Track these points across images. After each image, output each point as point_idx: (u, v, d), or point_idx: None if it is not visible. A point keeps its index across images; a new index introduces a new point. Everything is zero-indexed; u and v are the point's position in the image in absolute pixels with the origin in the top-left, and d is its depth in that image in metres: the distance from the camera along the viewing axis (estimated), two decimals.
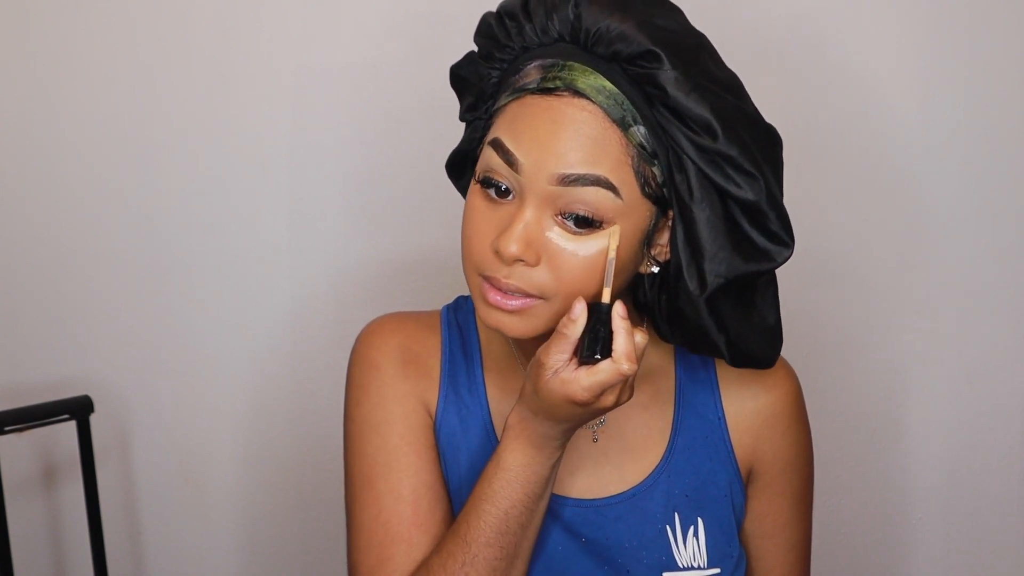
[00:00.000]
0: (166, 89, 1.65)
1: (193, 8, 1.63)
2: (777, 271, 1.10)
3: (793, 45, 1.63)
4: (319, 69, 1.65)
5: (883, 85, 1.65)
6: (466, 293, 1.20)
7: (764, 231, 1.00)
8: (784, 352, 1.17)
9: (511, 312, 0.98)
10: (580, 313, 0.95)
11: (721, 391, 1.14)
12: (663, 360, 1.14)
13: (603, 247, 0.97)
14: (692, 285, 0.99)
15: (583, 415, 0.98)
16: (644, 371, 1.11)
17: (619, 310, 0.96)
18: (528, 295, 0.98)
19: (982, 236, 1.69)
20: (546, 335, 0.99)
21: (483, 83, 1.04)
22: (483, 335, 1.15)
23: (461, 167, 1.12)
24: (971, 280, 1.71)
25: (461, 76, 1.07)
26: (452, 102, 1.12)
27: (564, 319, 0.96)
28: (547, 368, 0.96)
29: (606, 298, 0.96)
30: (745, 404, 1.13)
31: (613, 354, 0.95)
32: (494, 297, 0.98)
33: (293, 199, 1.69)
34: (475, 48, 1.07)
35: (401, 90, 1.65)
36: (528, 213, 0.96)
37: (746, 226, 0.99)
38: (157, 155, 1.67)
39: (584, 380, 0.95)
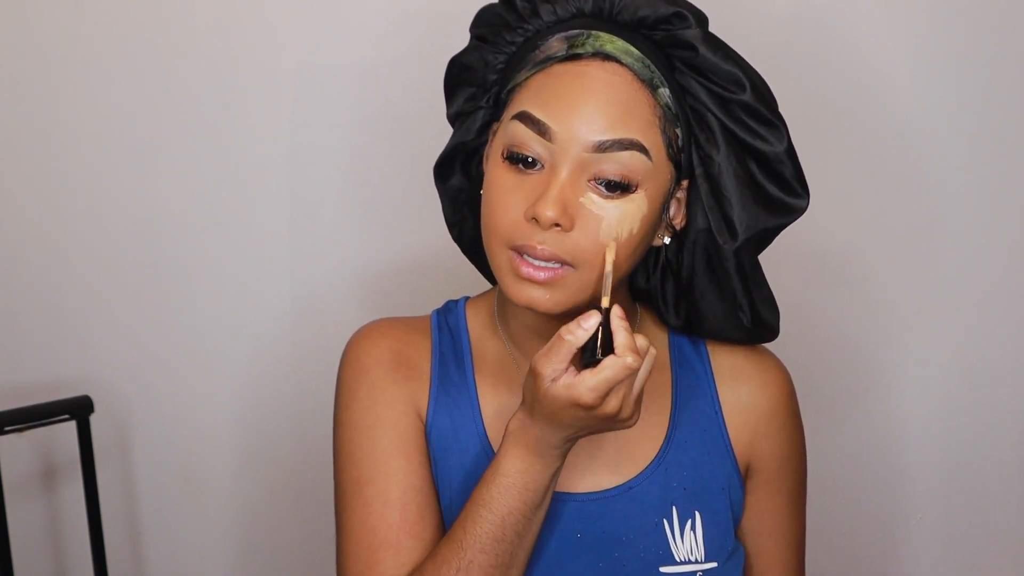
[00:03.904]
0: (166, 89, 1.65)
1: (193, 8, 1.63)
2: (776, 270, 1.11)
3: (793, 42, 1.63)
4: (319, 69, 1.65)
5: (884, 84, 1.65)
6: (456, 297, 1.20)
7: (781, 183, 1.04)
8: (783, 351, 1.17)
9: (542, 284, 0.99)
10: (593, 325, 0.95)
11: (717, 386, 1.14)
12: (658, 356, 1.14)
13: (635, 210, 0.99)
14: (723, 239, 1.03)
15: (587, 421, 0.97)
16: None
17: (617, 311, 0.96)
18: (562, 262, 0.98)
19: (983, 236, 1.69)
20: (557, 315, 1.00)
21: (487, 71, 1.06)
22: (473, 336, 1.15)
23: (451, 166, 1.12)
24: (971, 280, 1.71)
25: (465, 64, 1.08)
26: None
27: (569, 325, 0.96)
28: (544, 377, 0.96)
29: (605, 303, 0.97)
30: (741, 400, 1.14)
31: (616, 349, 0.95)
32: (526, 270, 0.99)
33: (293, 199, 1.69)
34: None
35: (401, 90, 1.65)
36: (562, 178, 0.98)
37: (763, 180, 1.04)
38: (157, 155, 1.67)
39: (589, 380, 0.94)
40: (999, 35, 1.65)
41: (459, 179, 1.12)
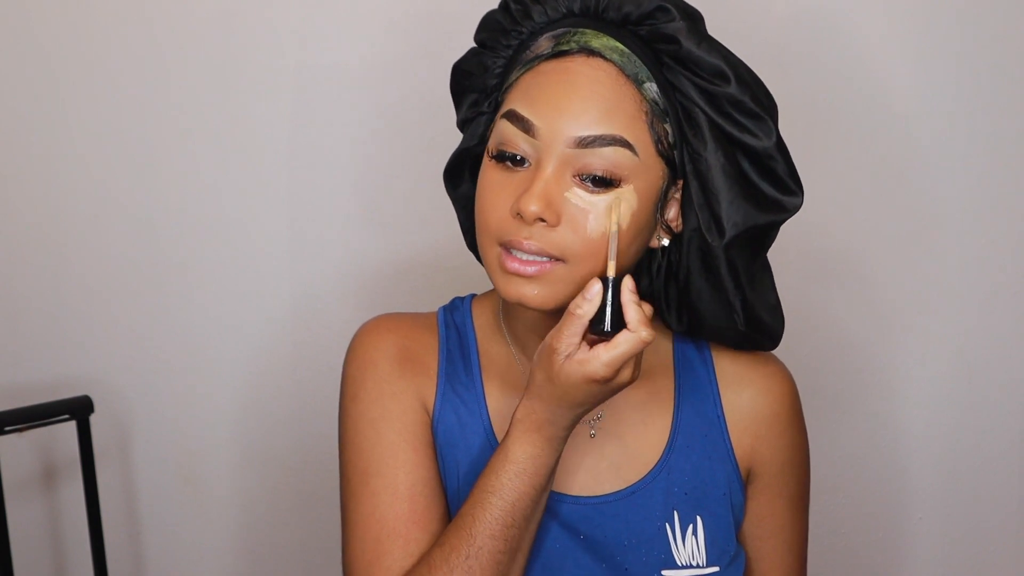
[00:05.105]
0: (166, 89, 1.65)
1: (193, 8, 1.63)
2: (777, 270, 1.11)
3: (793, 42, 1.63)
4: (319, 69, 1.65)
5: (884, 84, 1.65)
6: (464, 293, 1.20)
7: (774, 180, 1.03)
8: (784, 352, 1.17)
9: (531, 278, 0.99)
10: (596, 293, 0.96)
11: (720, 390, 1.14)
12: (662, 360, 1.15)
13: (625, 204, 0.98)
14: (711, 236, 1.02)
15: (600, 394, 0.98)
16: (642, 370, 1.11)
17: (629, 284, 0.97)
18: (550, 257, 0.98)
19: (983, 235, 1.69)
20: (557, 316, 1.00)
21: (487, 75, 1.06)
22: (479, 335, 1.15)
23: (459, 171, 1.12)
24: (971, 279, 1.71)
25: (464, 70, 1.09)
26: (452, 101, 1.12)
27: (576, 299, 0.97)
28: (559, 353, 0.96)
29: (611, 272, 0.97)
30: (743, 404, 1.14)
31: (628, 324, 0.95)
32: (512, 264, 0.99)
33: (293, 199, 1.69)
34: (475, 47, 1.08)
35: (401, 90, 1.65)
36: (547, 174, 0.98)
37: (755, 178, 1.03)
38: (157, 155, 1.67)
39: (604, 356, 0.95)
40: (998, 35, 1.65)
41: (468, 186, 1.12)
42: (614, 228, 0.98)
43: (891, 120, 1.66)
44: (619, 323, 0.96)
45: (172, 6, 1.64)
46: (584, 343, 0.97)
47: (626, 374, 0.97)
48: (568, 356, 0.96)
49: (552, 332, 0.98)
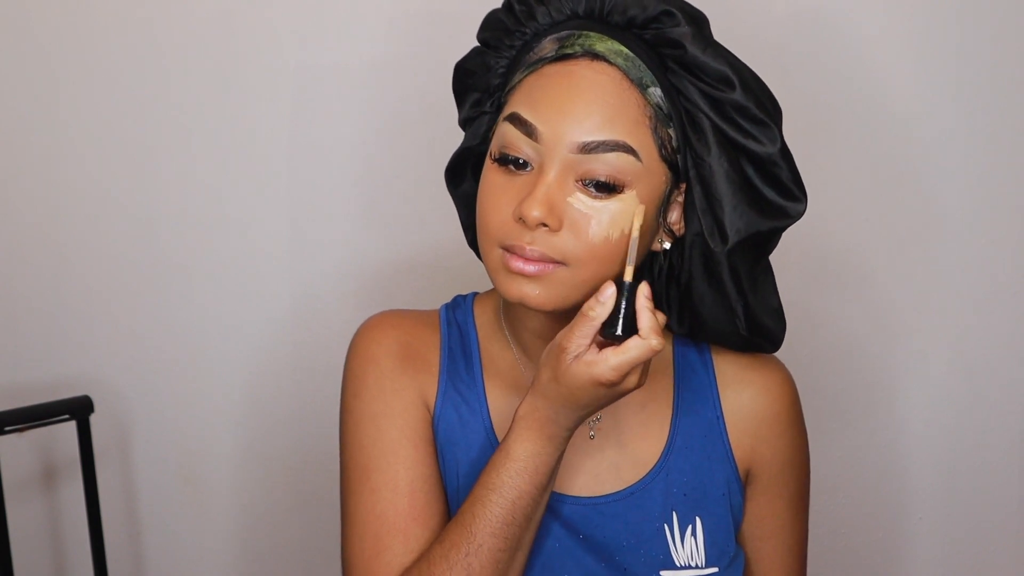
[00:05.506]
0: (166, 89, 1.65)
1: (193, 8, 1.63)
2: (778, 270, 1.11)
3: (792, 42, 1.63)
4: (319, 69, 1.65)
5: (884, 84, 1.65)
6: (464, 292, 1.20)
7: (777, 186, 1.03)
8: (784, 352, 1.17)
9: (532, 278, 0.99)
10: (610, 296, 0.96)
11: (720, 392, 1.14)
12: (662, 361, 1.15)
13: (625, 210, 0.98)
14: (714, 242, 1.02)
15: (605, 398, 0.98)
16: None
17: (645, 291, 0.96)
18: (552, 261, 0.98)
19: (983, 235, 1.69)
20: (557, 318, 1.00)
21: (490, 75, 1.06)
22: (481, 334, 1.15)
23: (461, 170, 1.12)
24: (972, 279, 1.71)
25: (467, 69, 1.08)
26: (453, 101, 1.12)
27: (590, 301, 0.96)
28: (568, 353, 0.96)
29: (628, 276, 0.97)
30: (743, 405, 1.14)
31: (640, 331, 0.95)
32: (516, 264, 0.99)
33: (293, 199, 1.69)
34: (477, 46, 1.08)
35: (401, 90, 1.65)
36: (549, 179, 0.98)
37: (759, 184, 1.03)
38: (157, 155, 1.67)
39: (612, 360, 0.95)
40: (998, 35, 1.65)
41: (470, 184, 1.12)
42: (635, 234, 0.98)
43: (891, 120, 1.66)
44: (631, 328, 0.96)
45: (172, 6, 1.64)
46: (594, 345, 0.97)
47: (632, 380, 0.97)
48: (577, 357, 0.96)
49: (563, 332, 0.97)
